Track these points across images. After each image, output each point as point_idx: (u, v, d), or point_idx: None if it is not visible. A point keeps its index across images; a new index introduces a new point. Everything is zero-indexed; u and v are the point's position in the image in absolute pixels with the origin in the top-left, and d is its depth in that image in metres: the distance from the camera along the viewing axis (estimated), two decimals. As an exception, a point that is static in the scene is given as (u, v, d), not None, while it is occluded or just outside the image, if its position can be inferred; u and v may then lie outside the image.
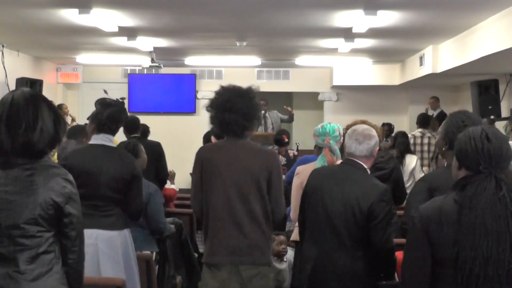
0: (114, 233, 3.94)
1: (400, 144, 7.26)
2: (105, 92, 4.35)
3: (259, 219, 3.52)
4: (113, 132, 4.09)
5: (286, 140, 7.87)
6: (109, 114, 4.04)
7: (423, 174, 6.51)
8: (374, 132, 3.59)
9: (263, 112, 10.89)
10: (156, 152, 6.53)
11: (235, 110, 3.50)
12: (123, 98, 4.21)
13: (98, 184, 3.88)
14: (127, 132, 6.60)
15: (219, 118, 3.55)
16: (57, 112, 2.54)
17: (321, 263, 3.47)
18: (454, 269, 2.36)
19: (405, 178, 6.72)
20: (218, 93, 3.62)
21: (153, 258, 4.74)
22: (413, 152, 7.64)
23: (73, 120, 11.07)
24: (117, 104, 4.13)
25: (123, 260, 3.96)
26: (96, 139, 4.05)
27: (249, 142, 3.66)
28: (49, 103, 2.53)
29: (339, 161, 4.14)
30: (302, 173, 4.29)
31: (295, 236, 4.34)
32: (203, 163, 3.58)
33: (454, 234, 2.37)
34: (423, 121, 9.06)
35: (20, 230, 2.40)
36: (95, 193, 3.86)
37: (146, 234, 4.78)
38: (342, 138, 4.25)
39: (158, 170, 6.48)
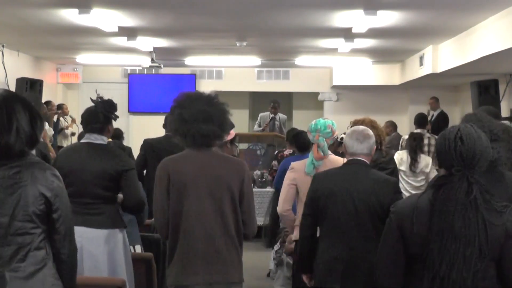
0: (101, 231, 3.92)
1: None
2: (96, 91, 4.40)
3: (232, 232, 3.33)
4: (94, 131, 4.08)
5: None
6: (82, 116, 4.16)
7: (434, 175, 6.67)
8: (371, 132, 3.79)
9: (272, 115, 10.99)
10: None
11: (211, 121, 3.33)
12: (100, 96, 4.24)
13: (84, 181, 3.90)
14: (166, 127, 6.59)
15: (193, 130, 3.32)
16: (34, 112, 2.52)
17: (353, 261, 3.56)
18: (423, 263, 2.40)
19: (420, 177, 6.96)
20: (185, 105, 3.40)
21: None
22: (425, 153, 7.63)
23: (73, 121, 11.06)
24: (97, 104, 4.14)
25: (108, 259, 3.93)
26: (85, 138, 4.12)
27: (217, 151, 3.47)
28: (25, 103, 2.51)
29: (326, 158, 4.29)
30: (296, 168, 4.37)
31: (296, 235, 4.32)
32: (170, 175, 3.32)
33: (425, 233, 2.40)
34: (421, 121, 9.05)
35: (12, 228, 2.41)
36: (82, 190, 3.88)
37: (136, 227, 4.85)
38: (335, 134, 4.40)
39: None
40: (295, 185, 4.32)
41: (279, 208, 4.43)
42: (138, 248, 4.81)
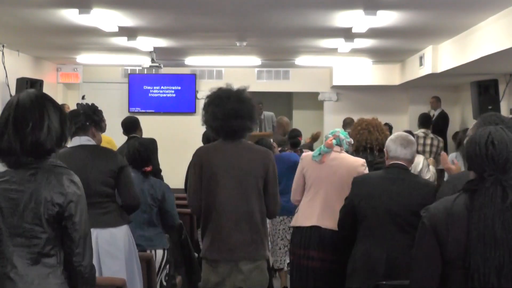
0: (114, 230, 3.97)
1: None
2: (83, 97, 4.56)
3: (256, 217, 3.73)
4: (80, 131, 4.12)
5: (301, 140, 7.98)
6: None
7: (430, 174, 6.63)
8: (413, 139, 3.95)
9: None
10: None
11: (241, 116, 3.69)
12: (83, 97, 4.40)
13: (89, 181, 3.86)
14: (125, 131, 6.70)
15: (226, 126, 3.71)
16: (63, 112, 2.56)
17: (394, 263, 3.60)
18: (463, 269, 2.37)
19: None
20: (217, 103, 3.72)
21: (164, 256, 4.76)
22: (419, 152, 7.59)
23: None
24: (78, 105, 4.26)
25: (125, 256, 3.98)
26: (73, 142, 4.14)
27: (245, 142, 3.85)
28: (54, 103, 2.55)
29: (340, 151, 4.43)
30: (304, 157, 4.58)
31: (298, 221, 4.45)
32: (203, 165, 3.73)
33: (464, 239, 2.37)
34: (425, 121, 9.05)
35: (20, 230, 2.41)
36: (90, 190, 3.84)
37: (159, 231, 4.81)
38: (351, 141, 4.61)
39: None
40: (303, 174, 4.48)
41: (293, 197, 4.62)
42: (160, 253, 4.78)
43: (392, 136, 3.91)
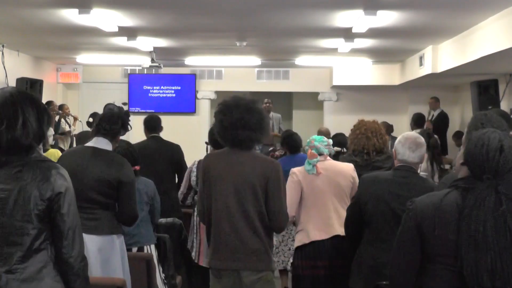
0: (96, 238, 3.87)
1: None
2: (124, 104, 4.43)
3: (256, 226, 3.59)
4: (109, 135, 4.05)
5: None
6: (102, 115, 4.11)
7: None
8: (423, 140, 3.82)
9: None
10: (176, 154, 6.64)
11: (248, 127, 3.61)
12: (124, 104, 4.27)
13: (82, 185, 3.81)
14: (147, 130, 6.65)
15: (232, 136, 3.63)
16: (41, 108, 2.51)
17: None
18: (452, 268, 2.36)
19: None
20: (225, 112, 3.65)
21: (156, 252, 4.77)
22: None
23: (75, 119, 11.07)
24: (115, 108, 4.16)
25: (102, 267, 3.88)
26: (92, 142, 4.06)
27: (253, 152, 3.76)
28: (33, 100, 2.51)
29: (323, 158, 4.38)
30: (298, 172, 4.41)
31: (301, 239, 4.33)
32: (205, 171, 3.71)
33: (453, 238, 2.35)
34: (419, 121, 9.07)
35: (11, 228, 2.39)
36: (79, 194, 3.77)
37: (150, 227, 4.84)
38: (330, 145, 4.50)
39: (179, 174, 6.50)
40: (301, 188, 4.34)
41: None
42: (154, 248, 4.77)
43: (401, 138, 3.83)
